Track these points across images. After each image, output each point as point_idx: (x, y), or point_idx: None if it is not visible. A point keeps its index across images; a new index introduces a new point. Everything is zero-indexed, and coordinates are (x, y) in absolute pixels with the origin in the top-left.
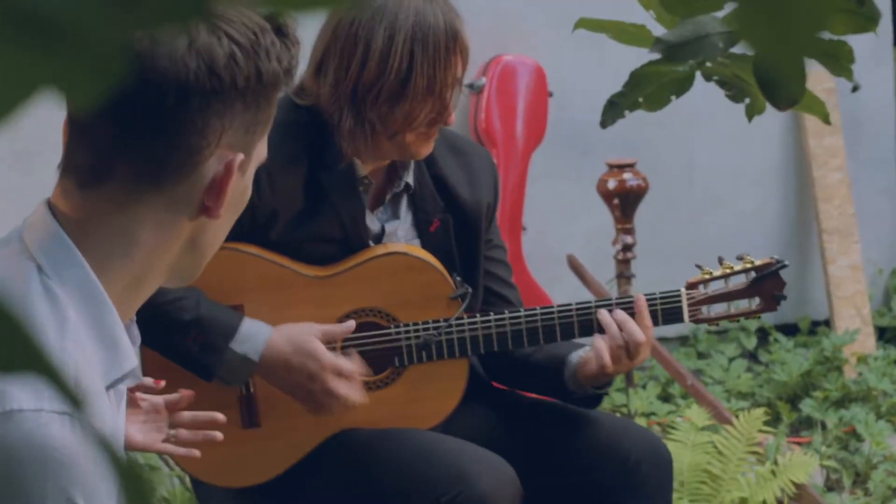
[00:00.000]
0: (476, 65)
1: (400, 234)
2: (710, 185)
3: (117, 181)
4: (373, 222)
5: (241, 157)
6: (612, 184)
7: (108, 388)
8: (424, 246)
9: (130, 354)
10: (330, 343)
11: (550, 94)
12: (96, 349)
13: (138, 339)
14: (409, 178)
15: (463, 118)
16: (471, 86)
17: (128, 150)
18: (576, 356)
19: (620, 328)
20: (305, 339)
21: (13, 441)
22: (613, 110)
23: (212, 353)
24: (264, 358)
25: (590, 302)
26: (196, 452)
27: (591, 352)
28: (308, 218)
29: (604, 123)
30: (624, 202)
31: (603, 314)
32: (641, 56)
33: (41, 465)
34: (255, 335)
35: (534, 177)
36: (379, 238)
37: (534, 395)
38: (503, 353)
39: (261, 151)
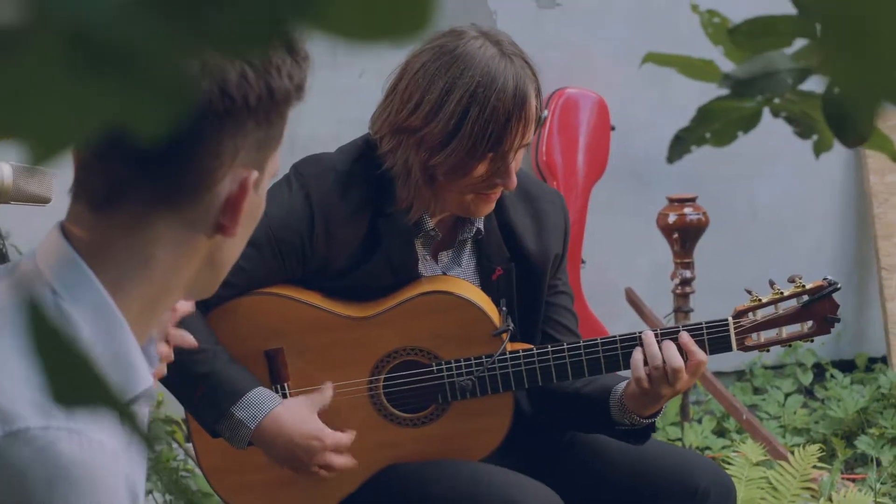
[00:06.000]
0: None
1: None
2: (770, 221)
3: (130, 204)
4: (433, 270)
5: (255, 174)
6: (672, 218)
7: None
8: (485, 292)
9: (145, 375)
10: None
11: (613, 128)
12: (110, 370)
13: (156, 360)
14: (480, 224)
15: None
16: None
17: (142, 174)
18: (622, 384)
19: (661, 350)
20: (310, 418)
21: (22, 460)
22: (680, 145)
23: (213, 411)
24: (261, 427)
25: (634, 333)
26: None
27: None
28: (358, 265)
29: (670, 159)
30: (684, 236)
31: (647, 334)
32: (705, 91)
33: (50, 484)
34: (259, 404)
35: (594, 210)
36: None
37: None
38: (549, 388)
39: (273, 166)
